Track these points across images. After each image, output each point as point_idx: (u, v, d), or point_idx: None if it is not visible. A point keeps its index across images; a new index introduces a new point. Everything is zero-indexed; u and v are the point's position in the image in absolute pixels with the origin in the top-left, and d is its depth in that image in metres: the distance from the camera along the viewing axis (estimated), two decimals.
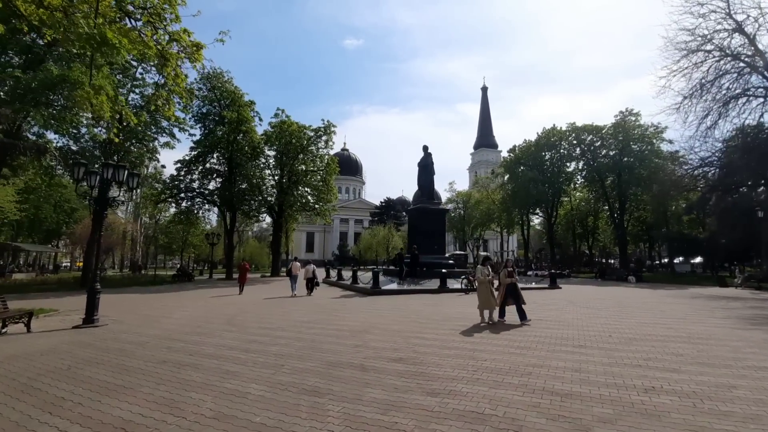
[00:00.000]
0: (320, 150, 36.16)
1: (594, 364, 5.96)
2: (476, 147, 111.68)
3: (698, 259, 44.00)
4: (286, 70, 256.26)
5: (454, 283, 19.10)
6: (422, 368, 5.76)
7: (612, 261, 58.32)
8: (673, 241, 33.29)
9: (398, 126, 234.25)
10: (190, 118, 31.49)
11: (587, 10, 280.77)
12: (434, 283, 19.03)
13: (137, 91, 25.71)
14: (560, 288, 21.11)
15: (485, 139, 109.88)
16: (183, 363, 6.12)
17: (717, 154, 22.59)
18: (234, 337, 8.12)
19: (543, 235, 62.28)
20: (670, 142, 36.73)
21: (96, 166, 13.56)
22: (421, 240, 22.84)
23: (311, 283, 17.97)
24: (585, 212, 49.84)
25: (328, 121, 34.56)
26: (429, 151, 25.34)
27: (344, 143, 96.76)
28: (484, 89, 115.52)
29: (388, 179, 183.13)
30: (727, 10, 20.49)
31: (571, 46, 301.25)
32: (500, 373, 5.50)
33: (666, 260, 51.98)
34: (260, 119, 35.26)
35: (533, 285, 21.40)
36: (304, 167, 36.13)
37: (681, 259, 43.90)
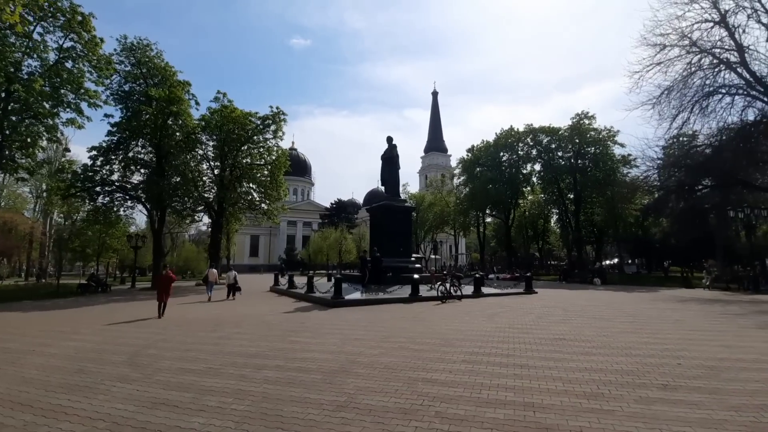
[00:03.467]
0: (268, 141, 31.88)
1: (714, 425, 3.67)
2: (426, 150, 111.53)
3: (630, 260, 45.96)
4: (229, 67, 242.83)
5: (425, 289, 16.81)
6: None
7: (555, 262, 59.79)
8: (626, 243, 33.79)
9: (346, 129, 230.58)
10: (107, 95, 26.28)
11: (529, 25, 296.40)
12: (404, 291, 16.55)
13: (35, 55, 20.83)
14: (536, 293, 19.46)
15: (436, 143, 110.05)
16: None
17: (687, 153, 22.59)
18: (130, 395, 4.91)
19: (492, 238, 62.43)
20: (622, 145, 37.57)
21: None
22: (385, 241, 20.31)
23: (232, 289, 18.53)
24: (537, 215, 50.17)
25: (277, 108, 30.13)
26: (394, 142, 22.84)
27: (292, 142, 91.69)
28: (435, 93, 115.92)
29: (337, 182, 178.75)
30: None
31: (512, 59, 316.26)
32: None
33: (609, 262, 54.17)
34: (197, 103, 30.55)
35: (509, 290, 19.61)
36: (249, 160, 31.76)
37: (613, 261, 45.49)
